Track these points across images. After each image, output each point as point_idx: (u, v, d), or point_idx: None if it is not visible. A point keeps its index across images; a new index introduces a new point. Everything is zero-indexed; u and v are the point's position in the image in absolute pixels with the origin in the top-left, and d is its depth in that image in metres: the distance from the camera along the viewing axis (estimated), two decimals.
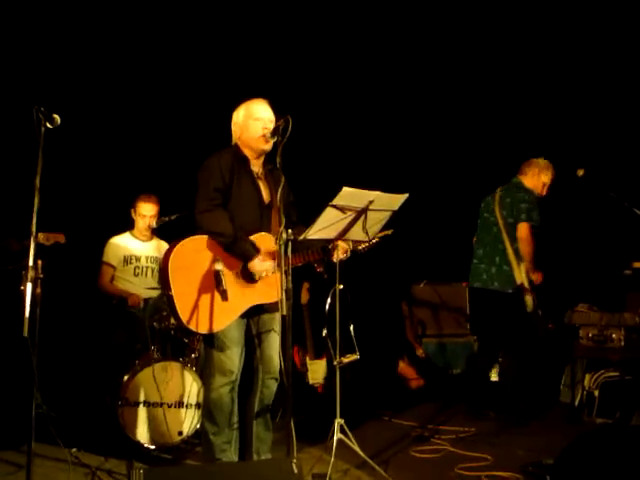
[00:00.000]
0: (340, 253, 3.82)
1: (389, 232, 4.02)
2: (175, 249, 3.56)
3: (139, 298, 4.97)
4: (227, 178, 3.66)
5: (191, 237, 3.61)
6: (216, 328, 3.56)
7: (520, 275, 5.20)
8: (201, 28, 6.43)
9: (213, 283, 3.53)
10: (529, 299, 5.19)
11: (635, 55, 6.57)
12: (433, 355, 6.73)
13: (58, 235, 4.25)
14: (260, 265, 3.59)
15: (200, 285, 3.53)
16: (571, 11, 6.58)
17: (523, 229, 5.23)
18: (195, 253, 3.57)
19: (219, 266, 3.52)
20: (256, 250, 3.60)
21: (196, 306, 3.50)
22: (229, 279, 3.55)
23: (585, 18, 6.58)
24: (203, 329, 3.54)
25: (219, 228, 3.58)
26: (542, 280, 5.29)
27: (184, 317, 3.49)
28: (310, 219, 3.63)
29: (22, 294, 3.12)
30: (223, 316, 3.57)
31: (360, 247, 3.94)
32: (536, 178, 5.33)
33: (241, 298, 3.60)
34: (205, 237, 3.60)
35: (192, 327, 3.51)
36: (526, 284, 5.19)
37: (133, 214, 5.25)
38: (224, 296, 3.52)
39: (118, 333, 4.91)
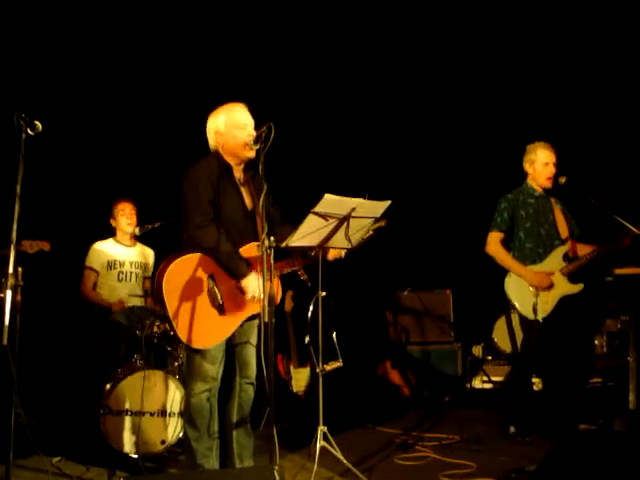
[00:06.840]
0: (335, 251, 3.87)
1: (382, 223, 3.99)
2: (168, 270, 3.50)
3: (122, 302, 4.94)
4: (215, 188, 3.63)
5: (183, 257, 3.55)
6: (218, 341, 3.58)
7: (507, 286, 4.94)
8: (177, 33, 6.42)
9: (208, 300, 3.54)
10: (521, 307, 4.87)
11: (617, 61, 6.63)
12: (417, 362, 6.73)
13: (43, 243, 4.22)
14: (254, 282, 3.55)
15: (196, 303, 3.51)
16: (555, 13, 6.62)
17: (487, 241, 5.04)
18: (188, 272, 3.53)
19: (213, 282, 3.53)
20: (249, 268, 3.58)
21: (195, 324, 3.49)
22: (225, 293, 3.55)
23: (567, 20, 6.63)
24: (208, 344, 3.56)
25: (216, 245, 3.53)
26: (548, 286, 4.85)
27: (184, 337, 3.48)
28: (292, 226, 3.64)
29: (2, 302, 3.10)
30: (223, 329, 3.58)
31: None
32: (533, 168, 5.05)
33: (238, 309, 3.61)
34: (197, 255, 3.55)
35: (198, 345, 3.52)
36: (514, 293, 4.89)
37: (113, 222, 5.25)
38: (221, 310, 3.53)
39: (100, 341, 4.87)
